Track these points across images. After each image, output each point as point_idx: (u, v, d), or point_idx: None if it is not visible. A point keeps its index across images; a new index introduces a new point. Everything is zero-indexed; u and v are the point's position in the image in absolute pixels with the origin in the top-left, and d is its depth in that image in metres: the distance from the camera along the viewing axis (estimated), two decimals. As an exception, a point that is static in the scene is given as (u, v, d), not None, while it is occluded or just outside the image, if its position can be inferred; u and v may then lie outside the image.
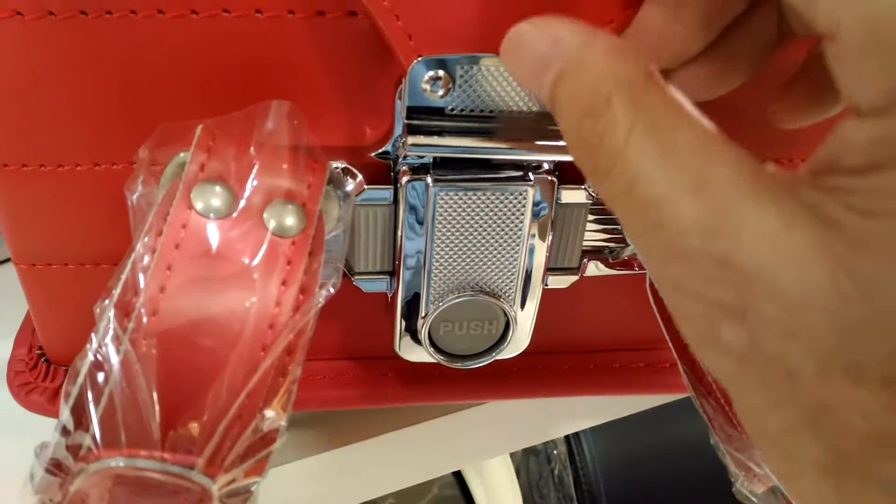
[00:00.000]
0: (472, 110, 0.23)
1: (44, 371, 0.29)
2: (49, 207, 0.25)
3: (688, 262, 0.14)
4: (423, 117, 0.23)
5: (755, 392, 0.14)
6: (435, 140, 0.23)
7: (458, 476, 0.70)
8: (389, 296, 0.28)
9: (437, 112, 0.23)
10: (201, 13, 0.21)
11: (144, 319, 0.18)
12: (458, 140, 0.23)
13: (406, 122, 0.23)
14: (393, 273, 0.27)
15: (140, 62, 0.22)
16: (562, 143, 0.22)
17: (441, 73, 0.22)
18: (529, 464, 0.78)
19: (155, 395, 0.17)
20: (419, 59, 0.21)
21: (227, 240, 0.19)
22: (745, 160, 0.15)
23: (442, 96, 0.22)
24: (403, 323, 0.27)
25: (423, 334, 0.27)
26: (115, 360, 0.18)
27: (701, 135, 0.15)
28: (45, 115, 0.23)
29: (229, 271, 0.19)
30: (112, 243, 0.26)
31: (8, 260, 0.35)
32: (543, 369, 0.31)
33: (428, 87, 0.22)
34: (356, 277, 0.27)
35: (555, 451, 0.78)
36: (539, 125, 0.23)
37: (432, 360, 0.28)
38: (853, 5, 0.13)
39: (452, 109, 0.23)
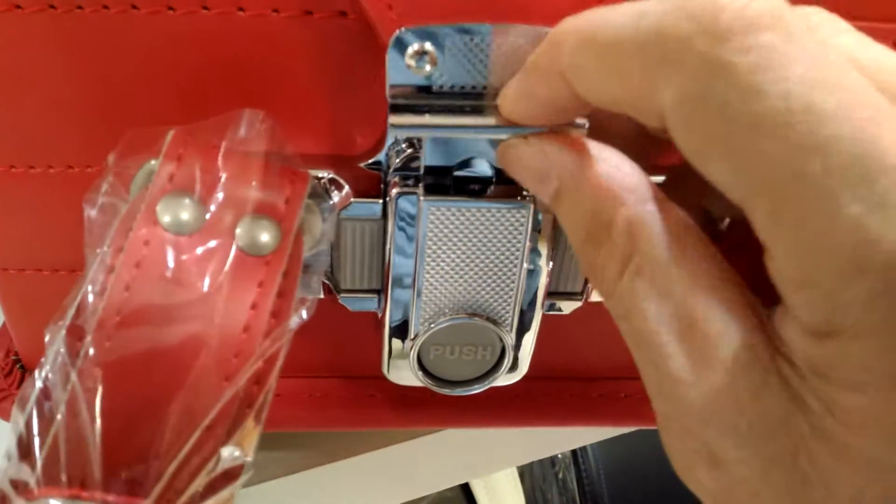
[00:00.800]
0: (461, 87, 0.20)
1: (18, 378, 0.27)
2: (21, 211, 0.23)
3: (670, 405, 0.15)
4: (409, 97, 0.20)
5: None
6: (423, 119, 0.20)
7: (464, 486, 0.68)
8: (378, 314, 0.26)
9: (424, 90, 0.20)
10: (179, 9, 0.20)
11: (93, 348, 0.16)
12: (447, 118, 0.20)
13: (390, 101, 0.20)
14: (381, 291, 0.25)
15: (113, 60, 0.21)
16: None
17: (427, 45, 0.19)
18: (533, 467, 0.77)
19: (98, 431, 0.16)
20: (401, 30, 0.19)
21: (192, 259, 0.18)
22: (737, 314, 0.14)
23: (428, 72, 0.20)
24: (392, 344, 0.25)
25: (413, 357, 0.25)
26: (61, 390, 0.16)
27: (699, 279, 0.15)
28: (13, 114, 0.21)
29: (192, 295, 0.17)
30: (87, 249, 0.24)
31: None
32: (543, 396, 0.29)
33: (413, 62, 0.20)
34: (342, 295, 0.25)
35: (559, 455, 0.76)
36: None
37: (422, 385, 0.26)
38: (784, 230, 0.13)
39: (441, 86, 0.20)
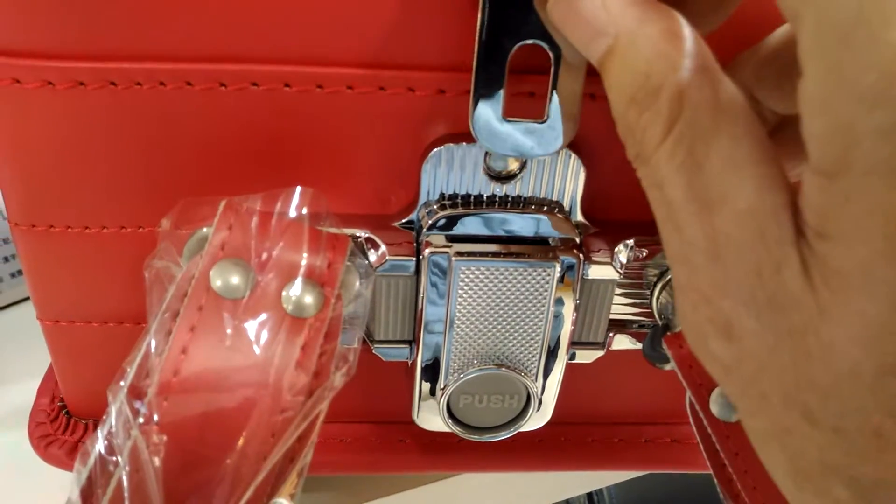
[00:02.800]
0: None
1: (64, 424, 0.29)
2: (74, 267, 0.25)
3: (690, 273, 0.15)
4: None
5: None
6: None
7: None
8: (409, 363, 0.27)
9: None
10: (230, 86, 0.21)
11: (155, 408, 0.18)
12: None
13: None
14: (413, 342, 0.26)
15: (168, 132, 0.22)
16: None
17: None
18: None
19: (161, 488, 0.17)
20: None
21: (243, 323, 0.19)
22: (769, 189, 0.14)
23: None
24: (422, 393, 0.26)
25: (442, 406, 0.26)
26: (124, 447, 0.18)
27: (737, 151, 0.15)
28: (73, 180, 0.23)
29: (247, 361, 0.19)
30: (136, 303, 0.26)
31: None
32: (567, 441, 0.30)
33: None
34: (376, 346, 0.26)
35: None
36: None
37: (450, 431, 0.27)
38: (822, 47, 0.12)
39: None
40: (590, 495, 0.67)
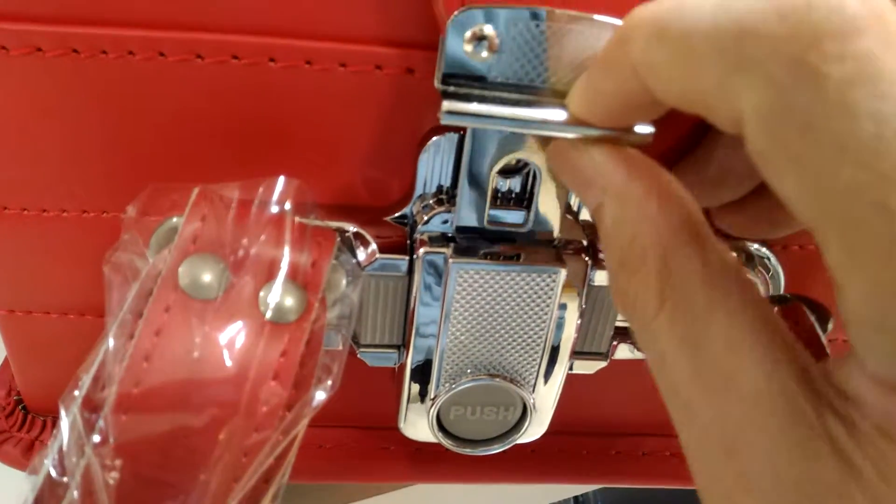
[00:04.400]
0: (518, 78, 0.18)
1: (20, 420, 0.26)
2: (31, 253, 0.23)
3: (710, 471, 0.14)
4: (462, 83, 0.18)
5: None
6: (474, 107, 0.18)
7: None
8: (396, 368, 0.25)
9: (478, 79, 0.18)
10: (207, 58, 0.19)
11: (111, 425, 0.16)
12: (501, 109, 0.18)
13: (441, 87, 0.18)
14: (401, 347, 0.24)
15: (137, 108, 0.20)
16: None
17: (487, 29, 0.18)
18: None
19: (115, 515, 0.15)
20: (463, 8, 0.17)
21: (215, 328, 0.17)
22: (776, 365, 0.13)
23: (485, 58, 0.18)
24: (409, 400, 0.24)
25: (432, 417, 0.24)
26: (76, 467, 0.16)
27: (735, 330, 0.13)
28: (29, 157, 0.21)
29: (218, 373, 0.16)
30: (98, 294, 0.23)
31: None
32: (560, 452, 0.28)
33: (470, 47, 0.18)
34: (361, 350, 0.24)
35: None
36: None
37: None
38: (861, 266, 0.12)
39: (496, 77, 0.18)
40: (576, 499, 0.66)
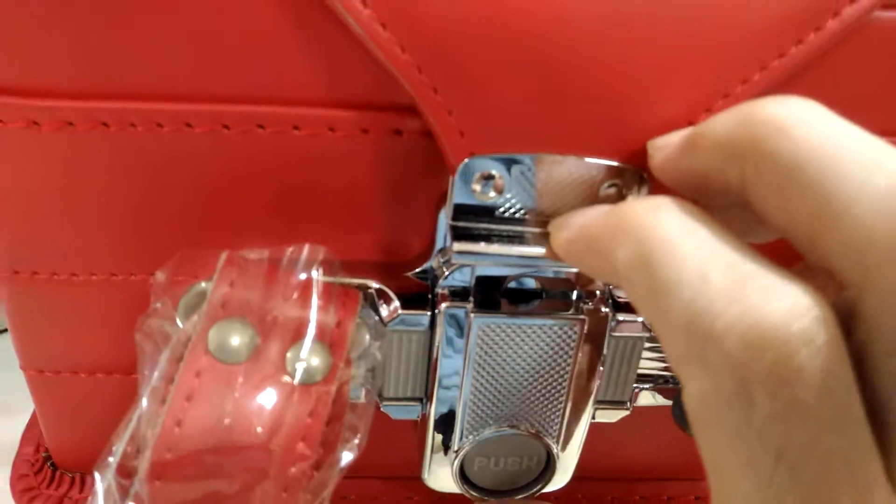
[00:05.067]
0: (525, 213, 0.20)
1: (49, 476, 0.27)
2: (60, 316, 0.23)
3: None
4: (471, 218, 0.20)
5: None
6: (482, 247, 0.20)
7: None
8: (419, 419, 0.25)
9: (487, 213, 0.20)
10: (233, 128, 0.20)
11: (146, 493, 0.16)
12: (509, 248, 0.20)
13: (451, 223, 0.20)
14: (424, 399, 0.24)
15: (165, 177, 0.20)
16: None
17: (494, 172, 0.19)
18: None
19: (151, 585, 0.15)
20: (471, 157, 0.19)
21: (244, 393, 0.17)
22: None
23: (493, 197, 0.20)
24: (433, 452, 0.24)
25: (455, 469, 0.24)
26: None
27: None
28: (60, 226, 0.21)
29: (249, 439, 0.17)
30: (126, 352, 0.24)
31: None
32: (584, 499, 0.28)
33: (478, 187, 0.19)
34: (384, 403, 0.24)
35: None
36: None
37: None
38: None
39: (504, 211, 0.20)
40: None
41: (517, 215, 0.20)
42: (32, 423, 0.28)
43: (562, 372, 0.23)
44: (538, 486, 0.25)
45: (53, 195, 0.21)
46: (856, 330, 0.13)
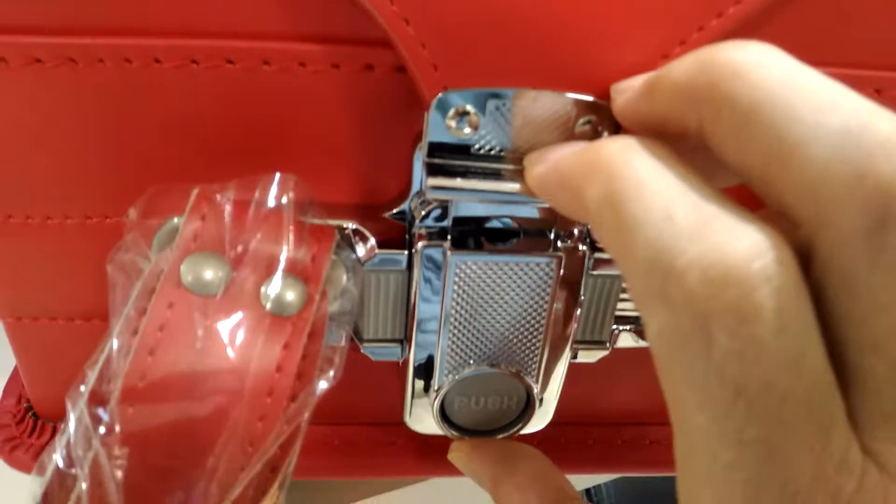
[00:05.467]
0: (501, 149, 0.20)
1: (30, 426, 0.27)
2: (36, 261, 0.23)
3: None
4: (446, 156, 0.20)
5: None
6: (458, 182, 0.20)
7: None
8: (400, 363, 0.25)
9: (462, 150, 0.20)
10: (202, 63, 0.19)
11: (118, 417, 0.16)
12: (484, 183, 0.20)
13: (426, 160, 0.20)
14: (404, 341, 0.24)
15: (135, 114, 0.20)
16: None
17: (469, 107, 0.19)
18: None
19: (123, 502, 0.15)
20: (445, 91, 0.19)
21: (217, 322, 0.17)
22: None
23: (468, 133, 0.19)
24: (414, 394, 0.25)
25: (436, 408, 0.24)
26: (84, 459, 0.16)
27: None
28: (32, 166, 0.21)
29: (221, 364, 0.17)
30: (104, 298, 0.24)
31: None
32: (567, 443, 0.28)
33: (453, 123, 0.19)
34: (365, 345, 0.24)
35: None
36: None
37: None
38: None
39: (479, 148, 0.20)
40: (588, 496, 0.66)
41: (493, 152, 0.20)
42: (14, 376, 0.28)
43: (540, 310, 0.23)
44: (518, 426, 0.25)
45: (22, 134, 0.20)
46: (812, 269, 0.13)
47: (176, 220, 0.19)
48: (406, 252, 0.22)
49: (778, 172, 0.13)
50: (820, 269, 0.13)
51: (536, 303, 0.23)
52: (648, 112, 0.16)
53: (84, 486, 0.16)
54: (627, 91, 0.18)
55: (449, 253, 0.21)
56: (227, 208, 0.19)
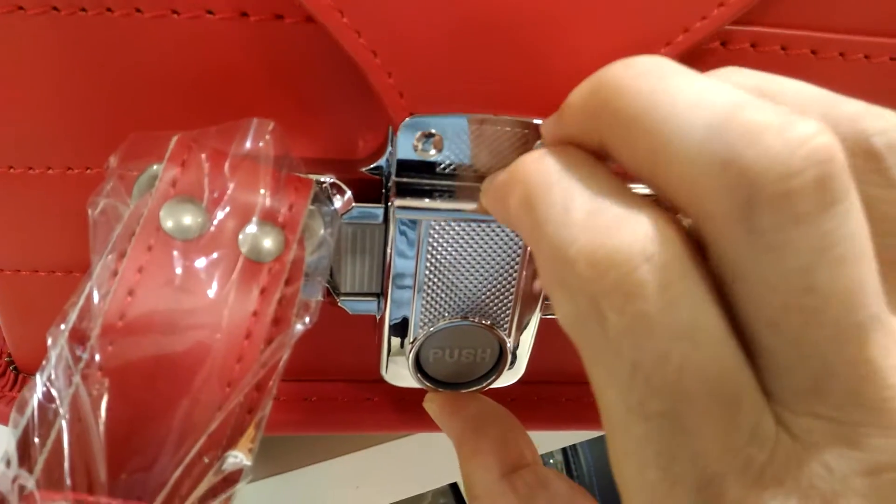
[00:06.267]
0: (463, 168, 0.21)
1: (11, 380, 0.27)
2: (18, 212, 0.23)
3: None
4: (413, 174, 0.21)
5: None
6: (425, 203, 0.22)
7: (452, 484, 0.68)
8: (378, 317, 0.26)
9: (428, 169, 0.21)
10: (183, 13, 0.20)
11: (98, 352, 0.16)
12: (450, 203, 0.22)
13: (395, 180, 0.22)
14: (381, 294, 0.25)
15: (115, 63, 0.20)
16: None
17: (433, 130, 0.21)
18: (526, 472, 0.77)
19: (103, 436, 0.16)
20: (411, 116, 0.20)
21: (195, 265, 0.18)
22: None
23: (433, 154, 0.21)
24: (390, 347, 0.25)
25: (411, 360, 0.25)
26: (64, 394, 0.16)
27: None
28: (13, 115, 0.21)
29: (199, 302, 0.17)
30: (85, 251, 0.24)
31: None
32: (540, 400, 0.29)
33: (419, 144, 0.21)
34: (342, 298, 0.25)
35: (551, 461, 0.77)
36: None
37: (420, 387, 0.26)
38: None
39: (444, 168, 0.21)
40: (567, 462, 0.68)
41: (456, 171, 0.21)
42: (-5, 331, 0.29)
43: (512, 265, 0.23)
44: (491, 378, 0.26)
45: (3, 84, 0.21)
46: (709, 258, 0.13)
47: (155, 167, 0.19)
48: (382, 206, 0.23)
49: (663, 174, 0.14)
50: (712, 257, 0.13)
51: (510, 257, 0.23)
52: (562, 134, 0.17)
53: (65, 420, 0.16)
54: (549, 117, 0.19)
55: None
56: (205, 155, 0.19)
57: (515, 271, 0.23)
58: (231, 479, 0.18)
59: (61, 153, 0.22)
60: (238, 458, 0.18)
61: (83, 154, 0.22)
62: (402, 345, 0.25)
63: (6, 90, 0.21)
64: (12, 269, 0.25)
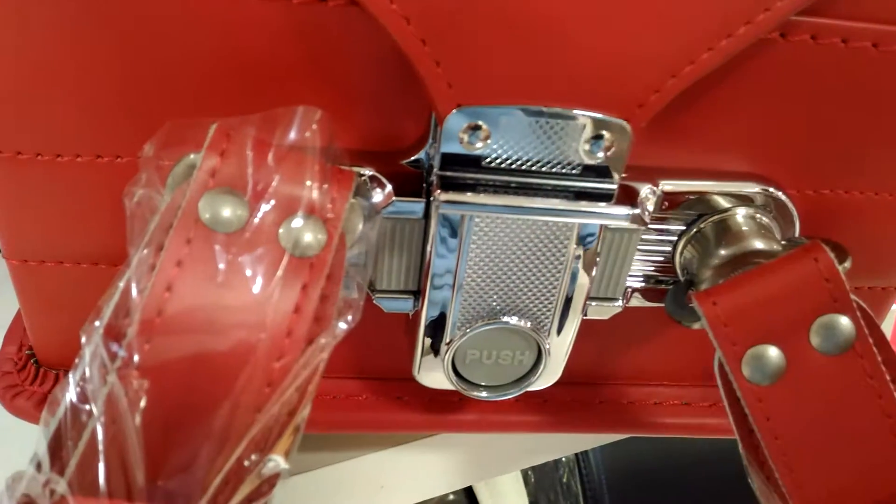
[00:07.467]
0: (511, 163, 0.21)
1: (32, 373, 0.26)
2: (45, 201, 0.22)
3: None
4: (458, 168, 0.21)
5: None
6: (469, 197, 0.21)
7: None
8: (411, 315, 0.25)
9: (474, 163, 0.21)
10: (221, -4, 0.19)
11: (136, 350, 0.16)
12: (495, 198, 0.21)
13: (438, 173, 0.21)
14: (417, 293, 0.24)
15: (151, 47, 0.20)
16: (606, 206, 0.21)
17: (480, 122, 0.20)
18: (536, 471, 0.76)
19: (142, 441, 0.15)
20: (458, 108, 0.19)
21: (236, 259, 0.17)
22: None
23: (480, 147, 0.20)
24: (425, 348, 0.24)
25: (447, 362, 0.24)
26: (99, 395, 0.16)
27: None
28: (44, 101, 0.20)
29: (242, 299, 0.16)
30: (112, 243, 0.23)
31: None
32: (574, 402, 0.28)
33: (465, 136, 0.20)
34: (377, 295, 0.24)
35: (562, 459, 0.76)
36: (583, 182, 0.21)
37: (453, 388, 0.25)
38: None
39: (490, 161, 0.20)
40: (578, 463, 0.67)
41: (503, 165, 0.21)
42: (16, 323, 0.28)
43: (557, 266, 0.22)
44: (529, 382, 0.25)
45: (32, 67, 0.20)
46: None
47: (192, 156, 0.19)
48: (423, 201, 0.22)
49: None
50: None
51: (554, 258, 0.22)
52: None
53: (99, 421, 0.16)
54: None
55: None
56: (248, 144, 0.18)
57: (559, 270, 0.23)
58: (269, 483, 0.17)
59: (91, 141, 0.21)
60: (277, 462, 0.17)
61: (114, 142, 0.21)
62: (435, 345, 0.24)
63: (37, 76, 0.20)
64: (37, 260, 0.24)
